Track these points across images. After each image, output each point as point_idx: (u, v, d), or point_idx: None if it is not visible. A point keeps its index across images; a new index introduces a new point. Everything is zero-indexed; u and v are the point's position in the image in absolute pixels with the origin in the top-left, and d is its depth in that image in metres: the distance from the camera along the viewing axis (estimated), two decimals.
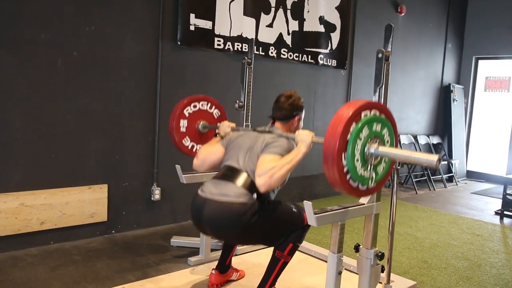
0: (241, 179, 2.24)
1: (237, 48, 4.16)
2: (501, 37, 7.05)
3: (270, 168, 2.11)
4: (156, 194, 3.72)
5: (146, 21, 3.56)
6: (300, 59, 4.80)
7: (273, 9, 4.46)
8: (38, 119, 3.09)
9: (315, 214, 2.03)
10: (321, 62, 5.03)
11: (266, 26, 4.41)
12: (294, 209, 2.38)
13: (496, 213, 5.10)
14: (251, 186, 2.21)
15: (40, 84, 3.08)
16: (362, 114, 1.88)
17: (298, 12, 4.71)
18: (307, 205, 2.02)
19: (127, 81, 3.51)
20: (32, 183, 3.09)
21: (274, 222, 2.26)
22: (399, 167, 2.53)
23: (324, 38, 5.02)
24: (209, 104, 3.08)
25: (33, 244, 3.12)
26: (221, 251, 2.68)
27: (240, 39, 4.18)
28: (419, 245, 3.72)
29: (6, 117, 2.96)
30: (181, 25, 3.72)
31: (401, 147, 6.22)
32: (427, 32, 6.80)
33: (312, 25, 4.87)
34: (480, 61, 7.59)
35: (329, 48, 5.10)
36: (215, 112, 3.12)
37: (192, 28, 3.78)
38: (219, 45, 4.02)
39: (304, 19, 4.78)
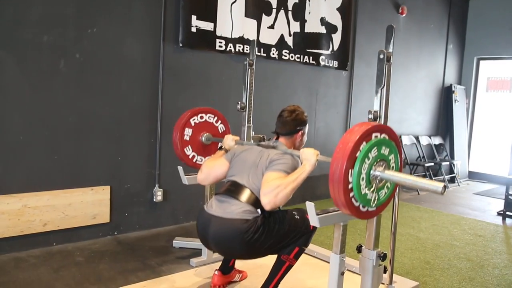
0: (245, 195, 2.25)
1: (239, 49, 4.17)
2: (502, 37, 7.05)
3: (275, 187, 2.12)
4: (158, 195, 3.72)
5: (148, 23, 3.58)
6: (301, 60, 4.81)
7: (274, 11, 4.47)
8: (40, 121, 3.10)
9: (317, 215, 2.04)
10: (322, 63, 5.03)
11: (268, 27, 4.42)
12: (297, 216, 2.38)
13: (499, 213, 5.09)
14: (255, 202, 2.23)
15: (42, 86, 3.09)
16: (373, 135, 1.91)
17: (299, 13, 4.72)
18: (309, 206, 2.03)
19: (129, 83, 3.52)
20: (35, 184, 3.10)
21: (278, 234, 2.26)
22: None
23: (325, 39, 5.03)
24: (215, 118, 3.12)
25: (36, 246, 3.13)
26: None
27: (242, 40, 4.18)
28: (421, 246, 3.72)
29: (9, 119, 2.97)
30: (182, 26, 3.73)
31: (402, 147, 6.23)
32: (428, 32, 6.80)
33: (313, 26, 4.88)
34: (481, 62, 7.59)
35: (330, 49, 5.10)
36: (220, 126, 3.16)
37: (193, 29, 3.79)
38: (220, 46, 4.02)
39: (306, 20, 4.79)
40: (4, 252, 2.99)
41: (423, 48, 6.73)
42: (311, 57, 4.90)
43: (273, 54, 4.51)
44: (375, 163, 1.91)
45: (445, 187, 1.76)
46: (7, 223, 2.96)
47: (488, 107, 7.61)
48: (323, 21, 4.97)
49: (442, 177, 6.77)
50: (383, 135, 1.96)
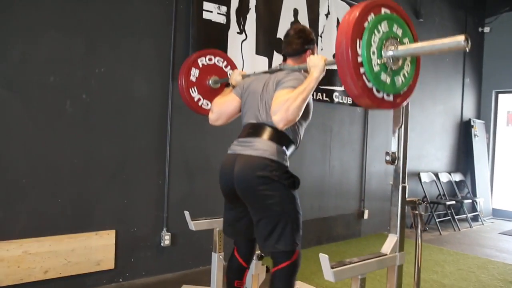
0: (267, 133, 2.14)
1: None
2: None
3: (284, 101, 1.97)
4: (166, 239, 3.56)
5: (156, 62, 3.53)
6: (314, 97, 4.70)
7: None
8: (44, 162, 3.01)
9: (332, 268, 1.85)
10: (336, 100, 4.92)
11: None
12: (301, 232, 2.22)
13: None
14: (278, 139, 2.12)
15: (47, 127, 3.02)
16: (382, 10, 1.75)
17: None
18: (323, 259, 1.84)
19: (137, 122, 3.43)
20: (37, 229, 2.97)
21: (286, 209, 2.11)
22: (422, 213, 2.35)
23: (338, 76, 4.92)
24: (224, 62, 2.96)
25: None
26: None
27: None
28: None
29: (12, 160, 2.89)
30: None
31: (422, 185, 5.99)
32: (443, 67, 6.68)
33: None
34: (500, 95, 7.40)
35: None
36: (230, 72, 2.99)
37: None
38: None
39: None
40: None
41: (439, 83, 6.59)
42: (324, 94, 4.79)
43: None
44: (386, 40, 1.73)
45: (467, 38, 1.54)
46: (6, 271, 2.82)
47: (510, 141, 7.35)
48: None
49: (465, 215, 6.46)
50: (395, 14, 1.79)
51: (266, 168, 2.07)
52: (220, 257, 2.80)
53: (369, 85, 1.73)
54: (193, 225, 2.74)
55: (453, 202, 6.32)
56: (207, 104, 2.91)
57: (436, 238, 5.54)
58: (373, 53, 1.70)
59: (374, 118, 5.44)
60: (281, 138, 2.14)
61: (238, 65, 3.97)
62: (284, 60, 2.43)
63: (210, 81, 2.93)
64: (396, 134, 2.23)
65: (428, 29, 6.10)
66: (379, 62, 1.73)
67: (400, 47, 1.77)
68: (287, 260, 2.16)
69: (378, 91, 1.76)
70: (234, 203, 2.27)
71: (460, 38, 1.56)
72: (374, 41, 1.71)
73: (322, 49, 4.74)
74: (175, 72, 3.60)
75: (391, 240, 2.20)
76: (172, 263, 3.65)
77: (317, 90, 4.71)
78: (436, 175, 6.48)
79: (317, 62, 2.09)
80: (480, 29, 7.33)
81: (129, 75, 3.38)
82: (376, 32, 1.72)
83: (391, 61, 1.77)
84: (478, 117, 7.40)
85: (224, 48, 3.87)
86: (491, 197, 7.28)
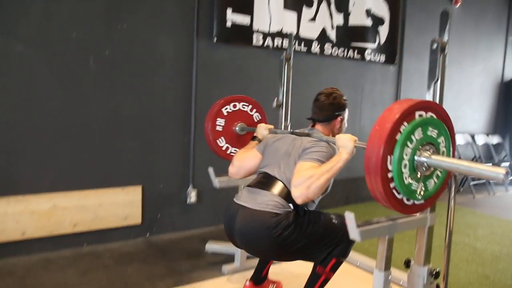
0: (277, 188, 2.03)
1: (277, 44, 3.94)
2: None
3: (308, 178, 1.87)
4: (192, 196, 3.58)
5: (180, 18, 3.43)
6: (345, 55, 4.51)
7: (315, 2, 4.20)
8: (70, 119, 3.02)
9: (358, 227, 1.77)
10: (368, 57, 4.71)
11: (309, 20, 4.17)
12: (334, 220, 2.10)
13: None
14: (287, 196, 1.99)
15: (72, 84, 3.01)
16: (416, 114, 1.61)
17: (343, 5, 4.42)
18: (349, 217, 1.76)
19: (161, 80, 3.38)
20: (65, 184, 3.03)
21: (311, 236, 2.01)
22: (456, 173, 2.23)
23: (371, 32, 4.70)
24: (250, 106, 2.90)
25: (66, 246, 3.06)
26: (258, 259, 2.49)
27: (280, 34, 3.95)
28: (478, 257, 3.35)
29: (38, 118, 2.91)
30: (217, 21, 3.55)
31: (457, 150, 5.76)
32: (485, 24, 6.26)
33: (358, 18, 4.57)
34: None
35: (377, 42, 4.77)
36: (256, 115, 2.92)
37: (229, 24, 3.60)
38: (257, 41, 3.82)
39: (350, 13, 4.49)
40: (35, 252, 2.94)
41: (480, 40, 6.21)
42: (355, 52, 4.59)
43: (315, 49, 4.25)
44: (420, 147, 1.61)
45: (508, 172, 1.42)
46: (37, 224, 2.91)
47: None
48: (368, 13, 4.64)
49: None
50: (430, 113, 1.65)
51: (271, 220, 1.94)
52: None
53: (399, 196, 1.64)
54: (217, 182, 2.71)
55: (490, 165, 6.06)
56: (236, 151, 2.84)
57: (469, 201, 5.37)
58: (405, 166, 1.58)
59: (408, 78, 5.21)
60: (291, 197, 1.97)
61: (265, 21, 3.83)
62: (313, 124, 2.32)
63: (237, 128, 2.87)
64: (431, 90, 2.09)
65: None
66: (411, 177, 1.62)
67: (435, 158, 1.61)
68: (344, 242, 2.10)
69: (408, 199, 1.68)
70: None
71: (501, 171, 1.42)
72: (406, 154, 1.58)
73: (354, 4, 4.49)
74: (199, 28, 3.50)
75: None
76: (198, 220, 3.68)
77: (348, 47, 4.52)
78: (473, 137, 6.22)
79: (346, 143, 1.96)
80: None
81: (152, 31, 3.30)
82: (408, 143, 1.58)
83: (424, 169, 1.64)
84: None
85: (251, 3, 3.73)
86: None
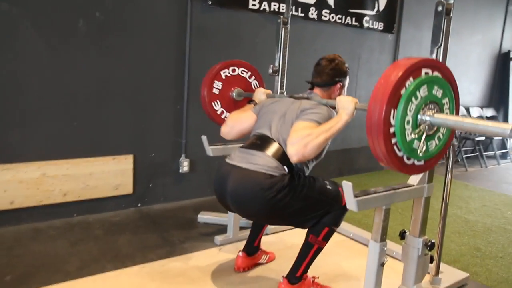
0: (272, 148, 1.97)
1: (274, 8, 3.80)
2: None
3: (305, 136, 1.81)
4: (185, 166, 3.51)
5: None
6: (343, 22, 4.38)
7: None
8: (58, 85, 2.91)
9: (356, 197, 1.73)
10: (366, 25, 4.58)
11: None
12: (329, 186, 2.06)
13: None
14: (282, 158, 1.93)
15: (60, 47, 2.88)
16: (423, 72, 1.57)
17: None
18: (346, 186, 1.72)
19: (154, 44, 3.25)
20: (54, 152, 2.94)
21: (304, 201, 1.95)
22: (455, 143, 2.18)
23: None
24: (249, 73, 2.82)
25: (56, 216, 3.00)
26: (249, 230, 2.46)
27: None
28: (470, 230, 3.35)
29: (25, 83, 2.79)
30: None
31: None
32: None
33: None
34: None
35: (375, 9, 4.63)
36: (254, 83, 2.85)
37: None
38: (254, 5, 3.67)
39: None
40: (24, 222, 2.88)
41: (480, 9, 6.07)
42: (353, 18, 4.46)
43: (312, 14, 4.11)
44: (424, 105, 1.58)
45: None
46: (26, 193, 2.83)
47: None
48: None
49: (494, 152, 6.23)
50: (436, 73, 1.62)
51: (265, 182, 1.87)
52: None
53: (400, 154, 1.59)
54: (210, 150, 2.64)
55: (483, 138, 6.06)
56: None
57: (462, 174, 5.38)
58: (408, 122, 1.53)
59: (406, 47, 5.09)
60: (286, 159, 1.91)
61: None
62: (312, 88, 2.23)
63: (234, 93, 2.77)
64: (434, 55, 2.02)
65: None
66: (413, 134, 1.57)
67: (438, 116, 1.57)
68: (337, 210, 2.07)
69: (408, 158, 1.63)
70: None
71: (507, 127, 1.36)
72: (410, 110, 1.53)
73: None
74: None
75: None
76: (191, 190, 3.63)
77: (346, 13, 4.38)
78: (467, 109, 6.18)
79: (347, 105, 1.90)
80: None
81: None
82: (413, 99, 1.52)
83: (427, 127, 1.60)
84: None
85: None
86: None
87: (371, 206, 1.82)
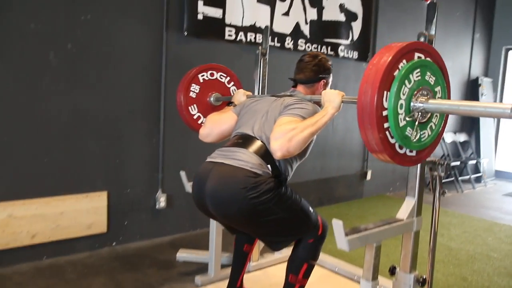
0: (254, 146, 1.86)
1: (250, 39, 3.78)
2: None
3: (289, 130, 1.73)
4: (161, 201, 3.37)
5: (149, 9, 3.21)
6: (318, 51, 4.40)
7: None
8: (28, 119, 2.76)
9: (347, 235, 1.64)
10: (341, 54, 4.62)
11: (282, 14, 4.02)
12: (311, 209, 1.98)
13: None
14: (265, 155, 1.83)
15: (30, 80, 2.74)
16: (416, 55, 1.54)
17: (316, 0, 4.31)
18: (337, 225, 1.63)
19: (128, 76, 3.16)
20: (22, 191, 2.76)
21: (287, 212, 1.84)
22: (442, 174, 2.14)
23: (344, 28, 4.61)
24: (227, 78, 2.75)
25: (24, 260, 2.80)
26: (231, 268, 2.34)
27: (254, 29, 3.79)
28: (454, 258, 3.32)
29: None
30: (188, 13, 3.35)
31: None
32: (454, 21, 6.33)
33: (331, 13, 4.46)
34: (510, 52, 7.08)
35: (350, 38, 4.68)
36: (233, 88, 2.79)
37: (200, 16, 3.41)
38: (230, 35, 3.64)
39: (323, 7, 4.37)
40: None
41: (448, 37, 6.26)
42: (329, 48, 4.49)
43: (288, 44, 4.11)
44: (417, 91, 1.53)
45: None
46: None
47: None
48: (342, 8, 4.55)
49: (468, 176, 6.32)
50: (429, 58, 1.59)
51: (248, 180, 1.75)
52: None
53: (392, 140, 1.53)
54: (189, 186, 2.53)
55: (458, 163, 6.15)
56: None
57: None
58: (401, 106, 1.49)
59: None
60: (269, 157, 1.83)
61: (238, 14, 3.66)
62: (294, 86, 2.19)
63: (212, 98, 2.71)
64: None
65: None
66: (406, 118, 1.52)
67: (432, 102, 1.55)
68: (313, 237, 1.99)
69: (401, 147, 1.57)
70: (213, 218, 2.03)
71: (507, 106, 1.33)
72: (403, 93, 1.49)
73: None
74: (169, 21, 3.29)
75: (408, 204, 2.02)
76: (168, 226, 3.48)
77: (322, 43, 4.41)
78: None
79: (333, 98, 1.85)
80: None
81: (119, 23, 3.07)
82: (407, 82, 1.49)
83: (420, 114, 1.56)
84: (486, 75, 7.11)
85: None
86: (494, 158, 7.12)
87: (362, 244, 1.74)
